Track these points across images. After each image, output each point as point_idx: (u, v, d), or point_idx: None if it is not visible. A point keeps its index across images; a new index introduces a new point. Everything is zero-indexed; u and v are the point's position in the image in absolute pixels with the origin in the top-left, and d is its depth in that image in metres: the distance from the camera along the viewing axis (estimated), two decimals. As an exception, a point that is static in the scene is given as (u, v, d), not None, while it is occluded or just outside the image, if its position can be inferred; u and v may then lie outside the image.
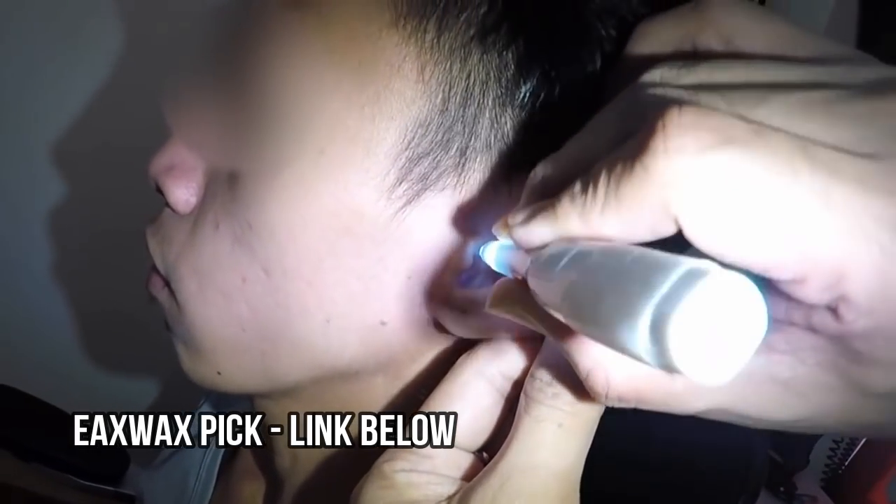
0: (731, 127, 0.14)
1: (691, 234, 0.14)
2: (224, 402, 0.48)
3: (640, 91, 0.18)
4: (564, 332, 0.19)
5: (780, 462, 0.85)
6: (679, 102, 0.15)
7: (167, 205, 0.30)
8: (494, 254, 0.22)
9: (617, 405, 0.18)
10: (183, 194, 0.29)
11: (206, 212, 0.28)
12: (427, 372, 0.30)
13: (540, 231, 0.18)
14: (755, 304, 0.13)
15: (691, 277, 0.12)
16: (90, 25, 0.66)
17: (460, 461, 0.24)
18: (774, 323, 0.17)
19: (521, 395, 0.23)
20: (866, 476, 0.86)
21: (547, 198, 0.18)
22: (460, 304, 0.26)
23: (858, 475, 0.89)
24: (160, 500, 0.48)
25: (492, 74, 0.24)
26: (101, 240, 0.74)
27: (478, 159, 0.25)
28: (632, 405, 0.18)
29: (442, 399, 0.24)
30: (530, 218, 0.18)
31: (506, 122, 0.25)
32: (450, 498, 0.23)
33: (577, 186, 0.16)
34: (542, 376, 0.22)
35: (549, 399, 0.22)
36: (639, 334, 0.13)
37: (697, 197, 0.14)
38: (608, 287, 0.14)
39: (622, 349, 0.14)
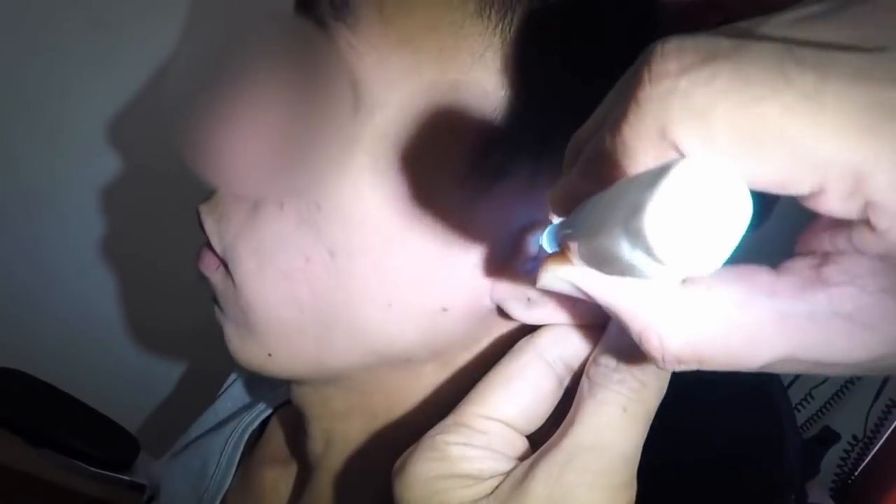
0: (714, 44, 0.13)
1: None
2: (254, 382, 0.48)
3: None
4: (611, 293, 0.18)
5: (792, 470, 0.84)
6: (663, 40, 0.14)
7: None
8: (547, 234, 0.22)
9: (677, 368, 0.18)
10: None
11: None
12: (477, 361, 0.29)
13: (568, 195, 0.17)
14: (733, 188, 0.12)
15: (662, 172, 0.12)
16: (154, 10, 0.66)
17: (515, 441, 0.24)
18: (823, 255, 0.16)
19: (584, 378, 0.23)
20: (878, 486, 0.86)
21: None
22: (526, 290, 0.25)
23: (869, 485, 0.88)
24: (177, 487, 0.47)
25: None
26: (152, 219, 0.74)
27: (551, 152, 0.25)
28: (693, 367, 0.17)
29: (501, 376, 0.24)
30: (561, 187, 0.18)
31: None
32: (506, 473, 0.22)
33: (589, 146, 0.16)
34: (607, 362, 0.22)
35: (615, 384, 0.22)
36: (620, 234, 0.13)
37: (689, 116, 0.13)
38: (602, 211, 0.14)
39: (614, 260, 0.14)
